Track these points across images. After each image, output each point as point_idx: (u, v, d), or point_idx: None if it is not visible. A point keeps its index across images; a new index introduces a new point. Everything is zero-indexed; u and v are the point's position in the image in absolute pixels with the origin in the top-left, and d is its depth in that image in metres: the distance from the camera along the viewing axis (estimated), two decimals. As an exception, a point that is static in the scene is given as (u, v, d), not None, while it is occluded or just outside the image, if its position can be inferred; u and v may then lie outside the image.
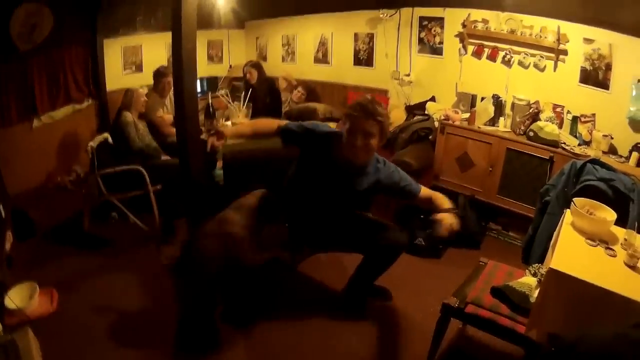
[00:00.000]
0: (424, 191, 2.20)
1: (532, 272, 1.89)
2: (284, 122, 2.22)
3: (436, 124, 3.64)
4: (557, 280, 1.46)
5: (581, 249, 1.68)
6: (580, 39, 3.02)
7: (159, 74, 3.80)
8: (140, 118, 3.51)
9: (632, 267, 1.54)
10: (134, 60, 4.59)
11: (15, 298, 2.18)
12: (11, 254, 2.58)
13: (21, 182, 3.69)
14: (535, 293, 1.71)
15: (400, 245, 2.22)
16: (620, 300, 1.34)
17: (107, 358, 2.09)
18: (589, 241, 1.71)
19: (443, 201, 2.15)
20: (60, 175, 4.08)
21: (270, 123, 2.22)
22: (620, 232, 1.77)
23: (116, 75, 4.44)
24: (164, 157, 3.48)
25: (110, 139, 3.24)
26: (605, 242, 1.71)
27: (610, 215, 1.81)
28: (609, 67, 2.91)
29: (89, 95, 4.24)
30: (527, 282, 1.81)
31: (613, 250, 1.65)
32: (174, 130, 3.44)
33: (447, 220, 2.00)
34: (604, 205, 1.89)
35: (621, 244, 1.69)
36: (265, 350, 2.15)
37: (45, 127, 3.91)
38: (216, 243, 1.98)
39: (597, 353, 1.03)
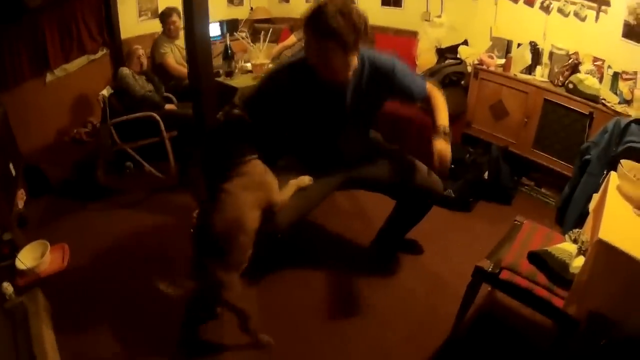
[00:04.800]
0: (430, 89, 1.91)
1: (573, 237, 1.76)
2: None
3: (469, 68, 3.47)
4: (606, 253, 1.33)
5: (629, 219, 1.56)
6: (624, -9, 2.73)
7: (162, 15, 3.81)
8: (141, 74, 3.45)
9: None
10: (149, 7, 4.42)
11: (26, 258, 2.23)
12: (25, 212, 2.65)
13: (36, 138, 3.70)
14: (575, 262, 1.62)
15: (435, 190, 2.06)
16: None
17: (118, 315, 2.04)
18: (637, 211, 1.59)
19: (440, 111, 1.87)
20: (76, 128, 4.08)
21: None
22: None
23: (131, 23, 4.30)
24: (168, 106, 3.46)
25: (106, 94, 3.17)
26: (654, 212, 1.59)
27: (660, 182, 1.68)
28: (653, 25, 2.65)
29: (103, 45, 4.14)
30: (567, 248, 1.68)
31: (663, 223, 1.53)
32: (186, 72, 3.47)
33: (438, 146, 1.78)
34: (654, 172, 1.75)
35: (671, 217, 1.57)
36: (286, 306, 2.09)
37: (59, 80, 3.86)
38: None
39: None
